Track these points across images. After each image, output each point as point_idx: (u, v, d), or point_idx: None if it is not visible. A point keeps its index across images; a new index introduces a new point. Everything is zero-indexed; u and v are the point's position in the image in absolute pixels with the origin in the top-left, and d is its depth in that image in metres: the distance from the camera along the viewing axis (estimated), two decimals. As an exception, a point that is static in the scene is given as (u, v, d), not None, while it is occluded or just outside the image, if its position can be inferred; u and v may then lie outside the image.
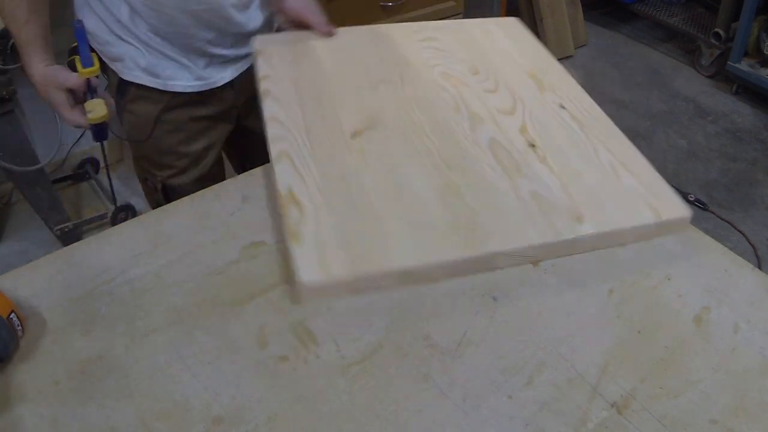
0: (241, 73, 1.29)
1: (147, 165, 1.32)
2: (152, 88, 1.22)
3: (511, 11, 3.15)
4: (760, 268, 0.91)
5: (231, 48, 1.25)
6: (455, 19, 2.67)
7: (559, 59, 3.19)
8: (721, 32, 2.94)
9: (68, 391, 0.76)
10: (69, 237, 2.14)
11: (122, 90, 1.25)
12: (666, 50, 3.32)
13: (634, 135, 2.72)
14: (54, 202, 2.13)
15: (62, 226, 2.13)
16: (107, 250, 0.92)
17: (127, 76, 1.23)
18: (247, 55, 1.27)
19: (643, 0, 3.38)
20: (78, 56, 1.07)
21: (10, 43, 1.80)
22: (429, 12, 2.57)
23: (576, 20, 3.28)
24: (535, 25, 3.20)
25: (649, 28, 3.48)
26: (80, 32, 1.07)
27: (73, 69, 1.14)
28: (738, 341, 0.81)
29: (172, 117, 1.26)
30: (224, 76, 1.26)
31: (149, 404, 0.74)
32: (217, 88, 1.26)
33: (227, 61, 1.26)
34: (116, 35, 1.20)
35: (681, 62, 3.22)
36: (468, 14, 2.77)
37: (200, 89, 1.25)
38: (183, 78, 1.23)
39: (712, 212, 2.39)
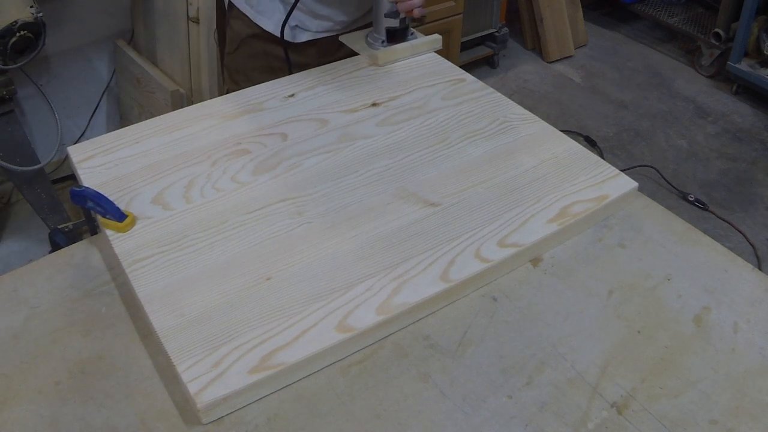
0: (328, 37, 1.35)
1: (227, 74, 1.46)
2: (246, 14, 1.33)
3: (511, 11, 3.15)
4: (760, 268, 0.91)
5: (329, 7, 1.30)
6: (456, 18, 2.68)
7: (559, 59, 3.21)
8: (721, 32, 2.94)
9: (68, 391, 0.76)
10: (69, 237, 2.14)
11: (230, 5, 1.37)
12: (666, 50, 3.32)
13: (634, 135, 2.73)
14: (54, 202, 2.13)
15: (62, 226, 2.13)
16: (108, 250, 0.92)
17: None
18: (341, 22, 1.33)
19: (643, 0, 3.38)
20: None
21: (10, 43, 1.80)
22: (429, 12, 2.57)
23: (576, 20, 3.28)
24: (535, 25, 3.20)
25: (649, 28, 3.48)
26: (91, 194, 0.91)
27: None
28: (738, 341, 0.81)
29: (255, 43, 1.35)
30: (305, 35, 1.33)
31: (149, 404, 0.74)
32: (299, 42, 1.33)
33: (316, 16, 1.31)
34: None
35: (681, 62, 3.22)
36: (468, 14, 2.77)
37: (288, 38, 1.30)
38: (272, 18, 1.31)
39: (712, 212, 2.40)
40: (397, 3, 1.20)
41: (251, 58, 1.37)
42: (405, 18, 1.23)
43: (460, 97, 1.18)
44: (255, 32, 1.33)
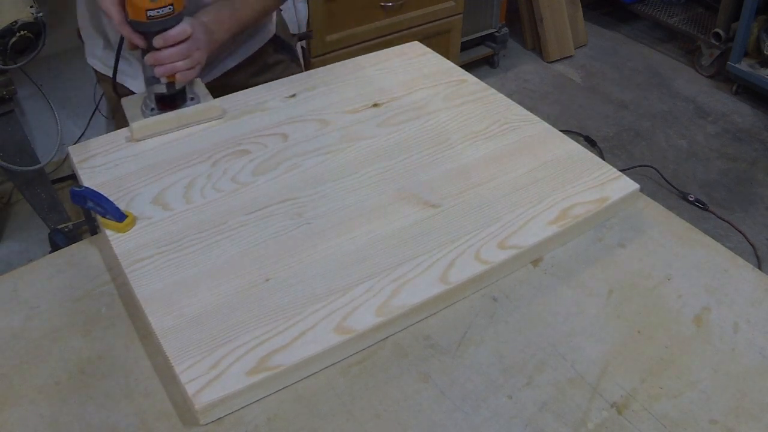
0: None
1: None
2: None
3: (511, 11, 3.15)
4: (760, 268, 0.91)
5: None
6: (456, 18, 2.68)
7: (559, 59, 3.21)
8: (721, 32, 2.94)
9: (68, 391, 0.76)
10: (69, 237, 2.14)
11: (95, 70, 1.28)
12: (666, 50, 3.32)
13: (634, 135, 2.73)
14: (54, 202, 2.13)
15: (62, 226, 2.13)
16: (107, 250, 0.92)
17: (89, 60, 1.26)
18: (202, 71, 1.23)
19: (643, 0, 3.38)
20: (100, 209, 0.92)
21: (10, 43, 1.80)
22: (429, 12, 2.57)
23: (576, 20, 3.28)
24: (535, 25, 3.20)
25: (649, 28, 3.48)
26: (90, 194, 0.91)
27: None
28: (738, 341, 0.81)
29: None
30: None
31: (149, 404, 0.74)
32: None
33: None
34: (82, 18, 1.22)
35: (681, 62, 3.22)
36: (468, 14, 2.77)
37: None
38: (136, 78, 1.21)
39: (712, 212, 2.40)
40: (154, 66, 1.03)
41: None
42: (174, 82, 1.06)
43: (461, 98, 1.18)
44: (125, 93, 1.22)
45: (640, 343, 0.81)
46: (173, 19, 1.00)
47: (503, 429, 0.72)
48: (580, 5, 3.28)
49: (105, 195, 0.91)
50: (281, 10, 1.36)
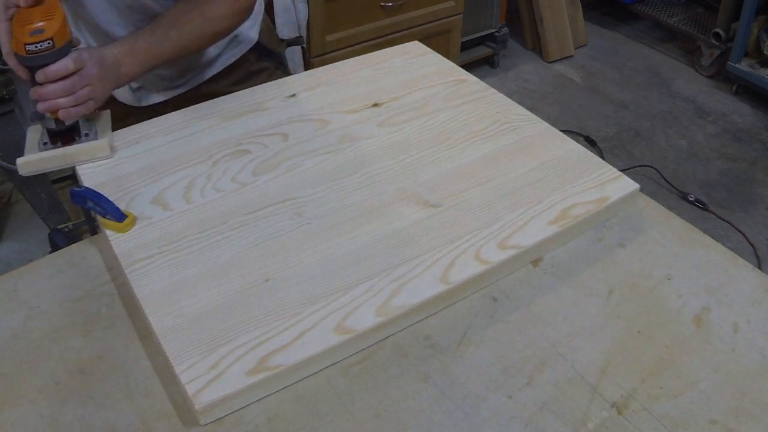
0: (184, 93, 1.26)
1: None
2: None
3: (511, 11, 3.15)
4: (760, 268, 0.91)
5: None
6: (456, 18, 2.68)
7: (559, 59, 3.20)
8: (721, 32, 2.94)
9: (68, 391, 0.76)
10: (69, 237, 2.14)
11: None
12: (666, 50, 3.32)
13: (634, 135, 2.73)
14: (54, 202, 2.13)
15: (62, 226, 2.13)
16: (107, 250, 0.92)
17: None
18: (180, 79, 1.25)
19: (643, 0, 3.38)
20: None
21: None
22: (429, 12, 2.57)
23: (576, 20, 3.28)
24: (535, 25, 3.20)
25: (649, 28, 3.48)
26: (90, 194, 0.92)
27: None
28: (738, 341, 0.81)
29: (113, 108, 1.17)
30: (151, 98, 1.25)
31: (149, 404, 0.74)
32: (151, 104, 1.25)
33: (149, 83, 1.24)
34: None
35: (681, 62, 3.22)
36: (468, 14, 2.77)
37: (130, 103, 1.24)
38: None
39: (712, 212, 2.40)
40: (36, 101, 0.97)
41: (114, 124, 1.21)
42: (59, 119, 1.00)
43: (461, 97, 1.18)
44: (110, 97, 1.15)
45: (640, 343, 0.81)
46: (54, 54, 0.94)
47: (503, 429, 0.72)
48: (580, 5, 3.28)
49: (105, 195, 0.91)
50: (274, 16, 1.35)
